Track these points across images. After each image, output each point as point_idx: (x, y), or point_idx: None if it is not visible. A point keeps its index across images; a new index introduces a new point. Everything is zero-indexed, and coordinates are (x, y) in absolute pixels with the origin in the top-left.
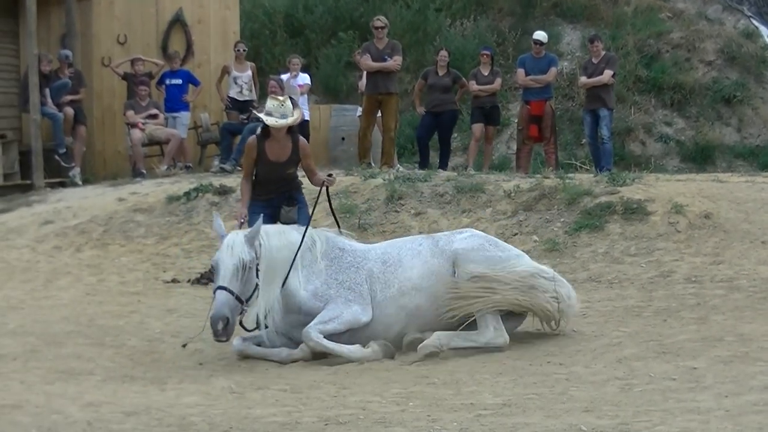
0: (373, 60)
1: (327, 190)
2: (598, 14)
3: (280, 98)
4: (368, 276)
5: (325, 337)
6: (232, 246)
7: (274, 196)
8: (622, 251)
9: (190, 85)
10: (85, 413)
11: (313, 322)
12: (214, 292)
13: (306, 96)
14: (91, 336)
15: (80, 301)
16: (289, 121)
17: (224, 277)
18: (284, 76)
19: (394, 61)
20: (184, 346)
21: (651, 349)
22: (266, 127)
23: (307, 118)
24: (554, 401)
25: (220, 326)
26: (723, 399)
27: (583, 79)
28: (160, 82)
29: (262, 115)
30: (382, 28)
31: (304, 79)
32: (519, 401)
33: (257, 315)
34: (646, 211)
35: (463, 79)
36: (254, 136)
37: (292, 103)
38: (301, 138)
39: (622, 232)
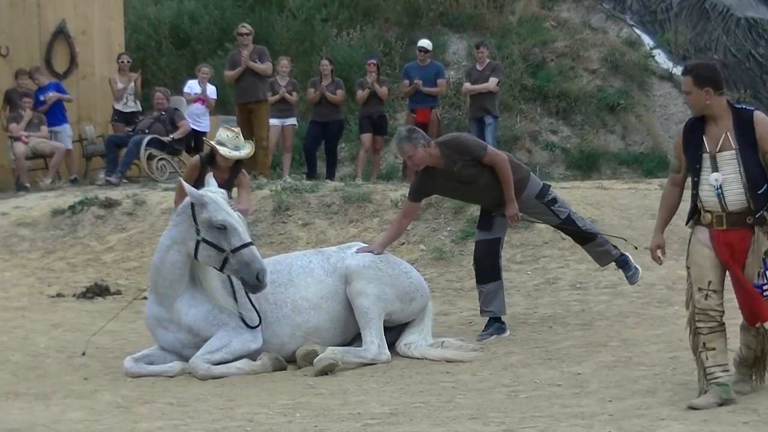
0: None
1: None
2: (484, 23)
3: (235, 129)
4: (257, 298)
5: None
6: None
7: None
8: (509, 259)
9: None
10: None
11: (200, 352)
12: (244, 248)
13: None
14: None
15: None
16: (242, 153)
17: (245, 232)
18: (190, 84)
19: (265, 65)
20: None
21: (537, 355)
22: (212, 153)
23: (207, 129)
24: (441, 409)
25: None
26: (607, 403)
27: (467, 85)
28: (37, 103)
29: (214, 144)
30: (247, 34)
31: (212, 92)
32: (406, 410)
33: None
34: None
35: (341, 90)
36: (199, 156)
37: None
38: (243, 170)
39: (508, 240)
